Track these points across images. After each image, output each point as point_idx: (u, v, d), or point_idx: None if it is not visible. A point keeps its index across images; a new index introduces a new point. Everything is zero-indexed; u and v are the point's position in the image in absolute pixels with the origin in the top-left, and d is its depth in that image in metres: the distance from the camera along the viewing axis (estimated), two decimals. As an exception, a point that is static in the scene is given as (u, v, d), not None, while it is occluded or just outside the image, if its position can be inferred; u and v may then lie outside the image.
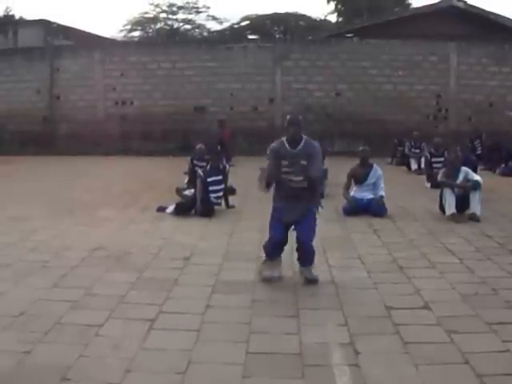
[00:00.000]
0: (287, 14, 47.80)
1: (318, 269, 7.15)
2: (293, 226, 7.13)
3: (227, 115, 24.34)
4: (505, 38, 25.43)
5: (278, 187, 7.14)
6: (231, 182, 13.18)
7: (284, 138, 7.16)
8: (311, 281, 6.97)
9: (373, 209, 11.52)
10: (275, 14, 47.54)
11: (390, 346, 5.24)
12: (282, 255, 7.26)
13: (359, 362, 4.92)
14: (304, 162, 6.92)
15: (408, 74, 25.35)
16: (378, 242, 9.36)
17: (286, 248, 7.29)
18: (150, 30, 49.82)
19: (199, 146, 14.50)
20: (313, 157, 7.00)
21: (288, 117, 7.24)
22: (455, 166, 11.47)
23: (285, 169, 7.00)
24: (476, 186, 11.03)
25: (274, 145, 7.23)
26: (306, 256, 7.06)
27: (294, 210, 6.98)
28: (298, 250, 7.11)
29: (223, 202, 12.24)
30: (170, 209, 11.71)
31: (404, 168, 19.45)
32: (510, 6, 68.79)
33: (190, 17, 49.53)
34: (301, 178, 6.95)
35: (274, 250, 7.16)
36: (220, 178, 12.02)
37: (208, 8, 53.91)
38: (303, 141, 7.06)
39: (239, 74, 25.65)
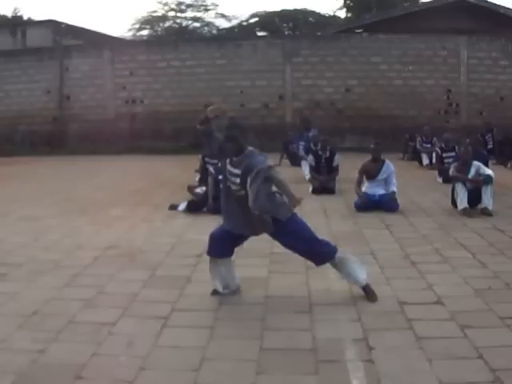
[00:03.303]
0: (296, 11, 47.87)
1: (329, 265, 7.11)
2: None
3: (237, 112, 24.34)
4: (515, 32, 25.38)
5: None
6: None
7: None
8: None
9: (385, 204, 11.50)
10: (284, 11, 47.57)
11: (404, 341, 5.23)
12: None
13: (373, 357, 4.90)
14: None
15: (418, 69, 25.32)
16: (391, 238, 9.34)
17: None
18: (159, 29, 49.97)
19: (210, 143, 14.50)
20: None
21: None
22: (466, 161, 11.43)
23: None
24: (488, 180, 11.00)
25: None
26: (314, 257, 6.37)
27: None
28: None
29: (235, 199, 12.22)
30: (182, 207, 11.73)
31: (415, 163, 19.40)
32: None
33: (198, 15, 49.69)
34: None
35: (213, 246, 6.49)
36: (231, 175, 12.00)
37: (216, 6, 54.23)
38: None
39: (249, 71, 25.68)
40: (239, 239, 6.56)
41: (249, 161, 5.98)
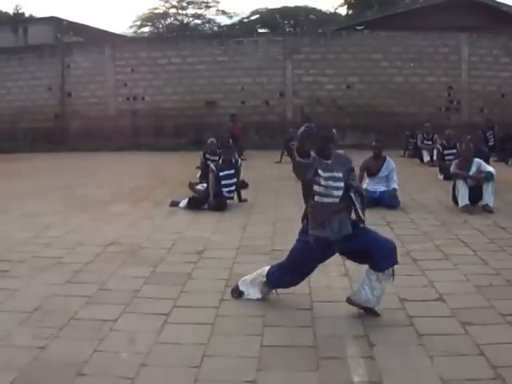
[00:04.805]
0: (297, 8, 47.93)
1: (331, 262, 7.09)
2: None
3: (238, 109, 24.39)
4: (516, 29, 25.36)
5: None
6: (243, 175, 13.19)
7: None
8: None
9: (386, 201, 11.50)
10: (285, 8, 47.61)
11: (405, 337, 5.23)
12: None
13: (374, 354, 4.91)
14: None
15: (419, 66, 25.32)
16: (392, 235, 9.28)
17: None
18: (160, 26, 50.08)
19: (211, 140, 14.54)
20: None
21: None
22: (467, 158, 11.43)
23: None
24: (489, 177, 11.00)
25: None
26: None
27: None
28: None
29: (236, 196, 12.26)
30: (183, 203, 11.74)
31: (416, 160, 19.43)
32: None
33: (199, 12, 49.78)
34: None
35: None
36: (232, 171, 12.02)
37: (217, 2, 54.19)
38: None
39: (250, 68, 25.68)
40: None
41: (344, 159, 5.87)
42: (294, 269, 5.93)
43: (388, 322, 5.60)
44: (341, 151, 6.00)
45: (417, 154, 19.81)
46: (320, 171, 5.61)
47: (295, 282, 6.04)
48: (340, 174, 5.71)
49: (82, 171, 18.61)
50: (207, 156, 14.13)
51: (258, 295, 6.18)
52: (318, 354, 4.94)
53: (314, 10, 48.83)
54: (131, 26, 50.40)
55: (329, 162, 5.69)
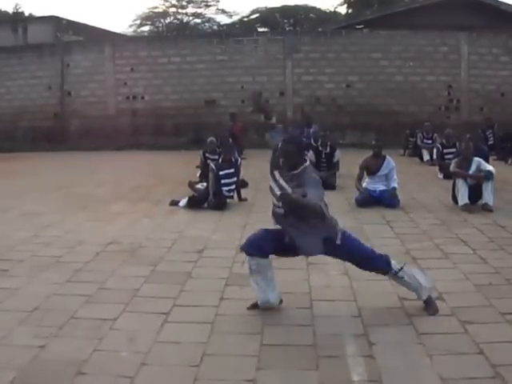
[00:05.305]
0: (297, 7, 47.88)
1: (331, 261, 7.07)
2: None
3: (238, 108, 24.35)
4: (516, 28, 25.35)
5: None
6: (243, 174, 13.19)
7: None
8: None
9: (385, 200, 11.50)
10: (285, 7, 47.57)
11: (404, 336, 5.24)
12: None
13: (373, 353, 4.91)
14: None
15: (419, 65, 25.30)
16: (391, 234, 9.35)
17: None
18: (160, 25, 50.05)
19: (210, 139, 14.54)
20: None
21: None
22: (467, 157, 11.43)
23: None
24: (489, 176, 11.00)
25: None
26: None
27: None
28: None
29: (235, 195, 12.26)
30: (183, 202, 11.74)
31: (416, 159, 19.42)
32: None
33: (199, 11, 49.73)
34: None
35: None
36: (232, 171, 12.03)
37: (217, 1, 54.15)
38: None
39: (250, 67, 25.67)
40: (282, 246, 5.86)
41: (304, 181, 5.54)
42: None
43: (388, 320, 5.60)
44: (314, 174, 5.82)
45: (416, 153, 19.80)
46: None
47: (262, 240, 5.92)
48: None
49: (81, 170, 18.62)
50: (207, 155, 14.13)
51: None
52: (317, 352, 4.94)
53: (313, 9, 48.80)
54: (131, 25, 50.48)
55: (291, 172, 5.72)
